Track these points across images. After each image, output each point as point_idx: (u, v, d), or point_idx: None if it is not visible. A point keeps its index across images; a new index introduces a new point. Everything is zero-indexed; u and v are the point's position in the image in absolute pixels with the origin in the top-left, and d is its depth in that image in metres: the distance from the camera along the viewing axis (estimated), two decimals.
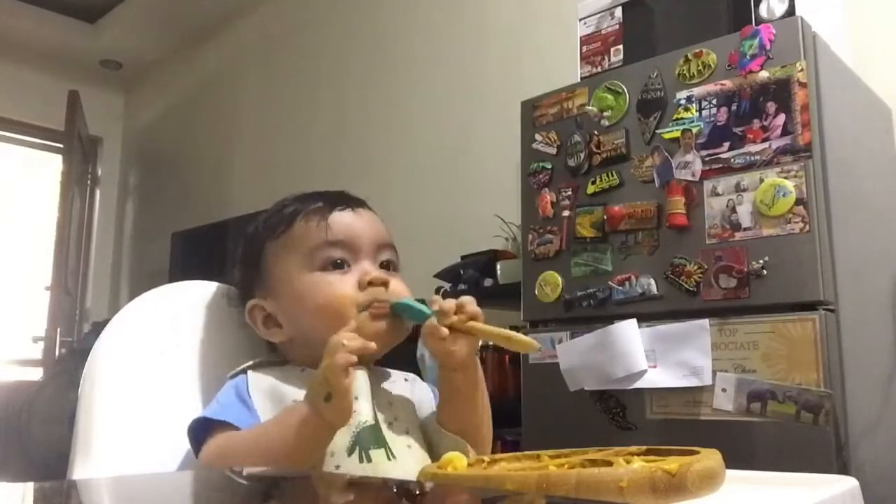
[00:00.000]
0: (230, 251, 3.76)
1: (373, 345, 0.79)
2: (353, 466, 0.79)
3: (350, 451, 0.81)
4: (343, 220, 0.91)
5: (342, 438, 0.81)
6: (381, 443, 0.83)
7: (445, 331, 0.81)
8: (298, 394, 0.82)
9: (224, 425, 0.81)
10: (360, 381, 0.85)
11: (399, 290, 0.90)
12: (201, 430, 0.83)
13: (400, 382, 0.94)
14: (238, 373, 0.89)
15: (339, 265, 0.89)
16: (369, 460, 0.81)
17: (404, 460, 0.83)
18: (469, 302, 0.83)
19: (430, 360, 2.29)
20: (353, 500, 0.59)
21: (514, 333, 0.81)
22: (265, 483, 0.70)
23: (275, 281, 0.91)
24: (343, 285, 0.87)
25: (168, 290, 1.00)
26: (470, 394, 0.87)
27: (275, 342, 0.92)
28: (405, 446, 0.85)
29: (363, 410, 0.84)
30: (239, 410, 0.83)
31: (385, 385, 0.91)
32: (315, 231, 0.89)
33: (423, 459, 0.85)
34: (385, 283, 0.88)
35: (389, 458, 0.83)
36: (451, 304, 0.82)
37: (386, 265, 0.92)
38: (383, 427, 0.85)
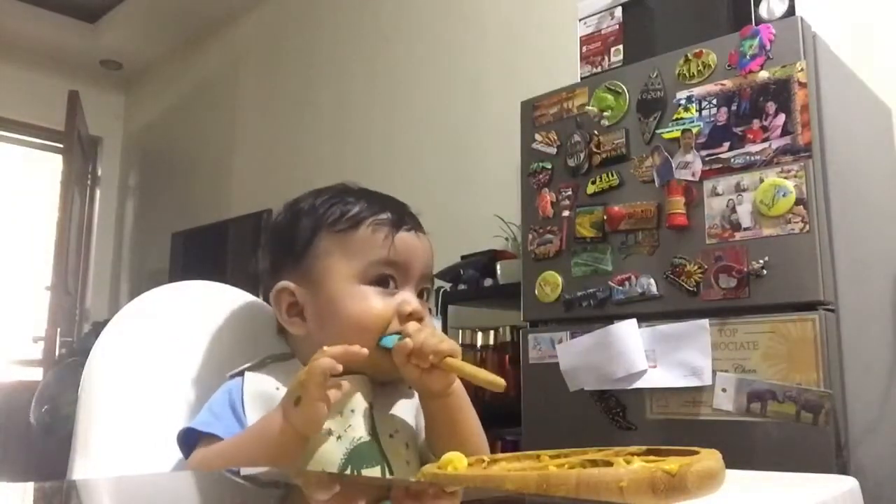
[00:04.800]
0: (230, 251, 3.77)
1: (362, 351, 0.78)
2: None
3: (342, 469, 0.80)
4: (407, 242, 0.89)
5: (334, 455, 0.80)
6: (378, 459, 0.82)
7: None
8: None
9: (211, 437, 0.81)
10: (355, 394, 0.84)
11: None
12: (190, 439, 0.83)
13: (403, 392, 0.92)
14: (237, 373, 0.88)
15: (385, 283, 0.87)
16: None
17: (401, 477, 0.82)
18: (439, 342, 0.82)
19: None
20: (354, 500, 0.59)
21: (481, 372, 0.81)
22: (265, 483, 0.70)
23: (317, 273, 0.88)
24: (384, 307, 0.86)
25: (168, 290, 1.00)
26: (451, 420, 0.87)
27: (289, 332, 0.90)
28: (404, 462, 0.84)
29: (358, 426, 0.83)
30: (229, 422, 0.82)
31: (387, 396, 0.89)
32: (380, 244, 0.87)
33: None
34: (420, 319, 0.87)
35: (385, 475, 0.82)
36: (424, 345, 0.81)
37: (421, 293, 0.92)
38: (383, 440, 0.84)
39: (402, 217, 0.90)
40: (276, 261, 0.92)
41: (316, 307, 0.87)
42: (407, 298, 0.87)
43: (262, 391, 0.85)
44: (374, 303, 0.86)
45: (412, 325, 0.84)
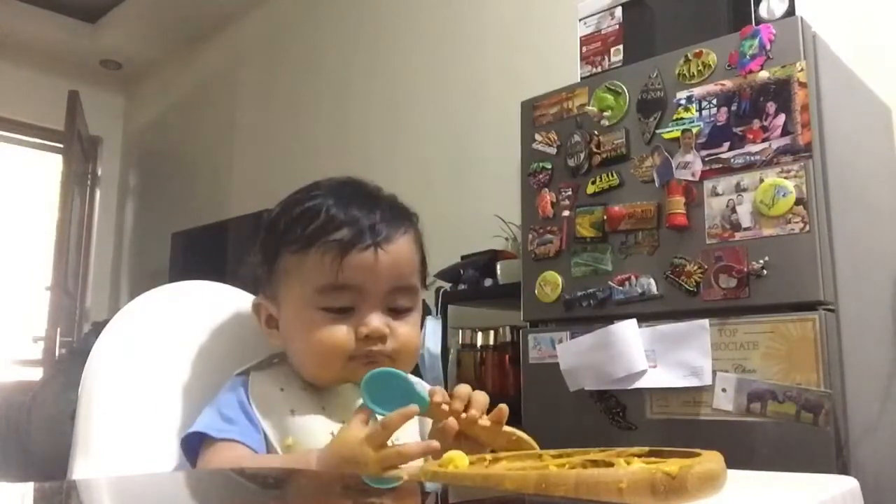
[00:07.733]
0: (230, 251, 3.77)
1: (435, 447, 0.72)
2: None
3: None
4: (361, 263, 0.83)
5: None
6: None
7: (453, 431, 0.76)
8: (295, 404, 0.83)
9: (230, 442, 0.80)
10: (350, 396, 0.84)
11: (403, 340, 0.86)
12: (196, 443, 0.82)
13: None
14: (242, 372, 0.88)
15: (343, 308, 0.84)
16: None
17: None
18: (475, 401, 0.77)
19: (430, 356, 2.29)
20: (354, 499, 0.59)
21: (521, 436, 0.77)
22: (266, 483, 0.70)
23: (280, 294, 0.89)
24: (338, 335, 0.83)
25: (168, 290, 1.00)
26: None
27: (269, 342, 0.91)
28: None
29: None
30: (244, 425, 0.82)
31: None
32: (328, 269, 0.83)
33: None
34: (382, 339, 0.84)
35: None
36: (456, 406, 0.76)
37: (396, 309, 0.87)
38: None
39: (361, 232, 0.84)
40: (257, 271, 0.94)
41: (283, 325, 0.89)
42: (365, 319, 0.84)
43: (266, 392, 0.86)
44: (330, 332, 0.83)
45: (457, 401, 0.77)
